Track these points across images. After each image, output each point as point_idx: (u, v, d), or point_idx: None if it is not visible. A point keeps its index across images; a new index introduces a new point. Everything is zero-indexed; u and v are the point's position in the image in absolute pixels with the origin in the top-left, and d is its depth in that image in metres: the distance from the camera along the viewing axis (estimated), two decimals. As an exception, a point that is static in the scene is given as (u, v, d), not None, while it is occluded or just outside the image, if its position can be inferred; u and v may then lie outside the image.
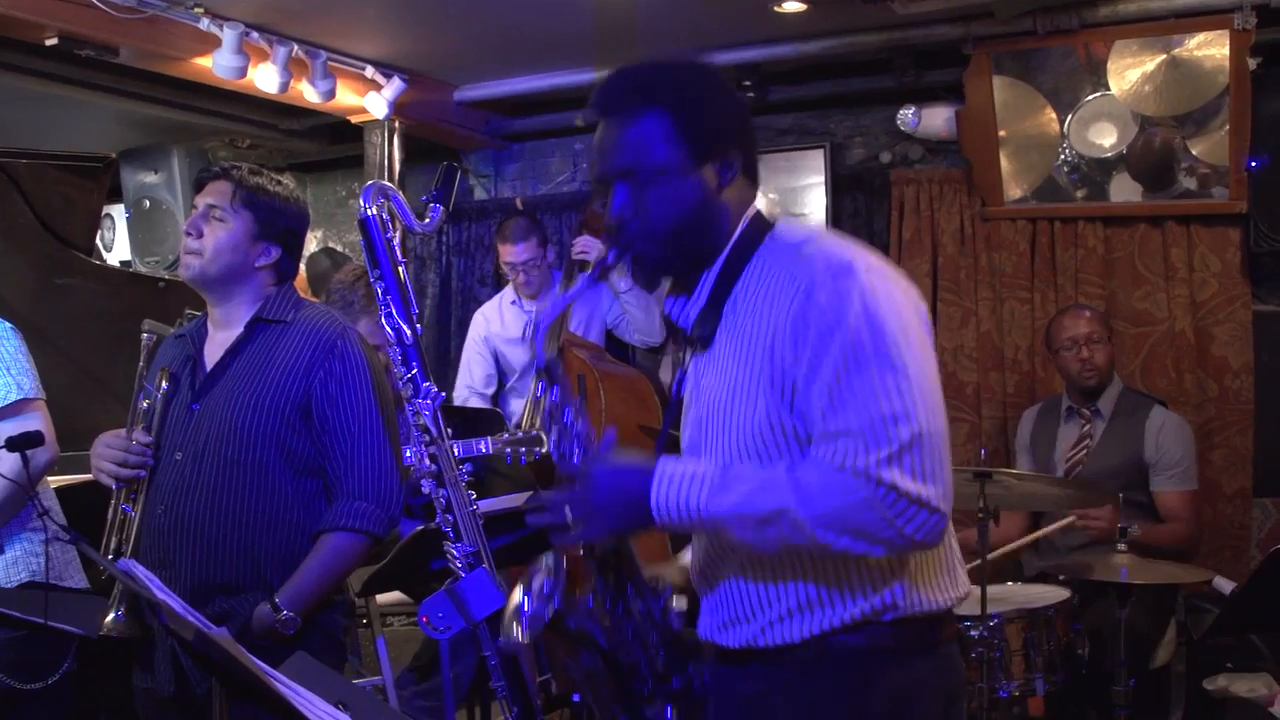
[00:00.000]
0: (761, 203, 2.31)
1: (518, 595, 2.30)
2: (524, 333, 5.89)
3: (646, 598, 2.28)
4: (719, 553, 2.26)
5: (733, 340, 2.19)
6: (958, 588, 2.26)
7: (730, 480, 2.08)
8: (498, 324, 6.03)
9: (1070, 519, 4.56)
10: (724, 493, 2.07)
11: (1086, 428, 4.93)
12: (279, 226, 3.15)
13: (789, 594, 2.16)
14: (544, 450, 4.62)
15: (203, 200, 3.12)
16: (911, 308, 2.13)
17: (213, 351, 3.14)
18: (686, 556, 2.51)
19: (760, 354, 2.12)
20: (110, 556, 2.98)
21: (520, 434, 4.62)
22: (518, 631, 2.28)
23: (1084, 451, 4.89)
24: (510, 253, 5.80)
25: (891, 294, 2.09)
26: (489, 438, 4.56)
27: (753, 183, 2.29)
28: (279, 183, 3.19)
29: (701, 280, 2.25)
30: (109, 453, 3.04)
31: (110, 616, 2.95)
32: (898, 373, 2.02)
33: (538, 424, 5.31)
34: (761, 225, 2.25)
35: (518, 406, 5.86)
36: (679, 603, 2.35)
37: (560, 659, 2.30)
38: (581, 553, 2.25)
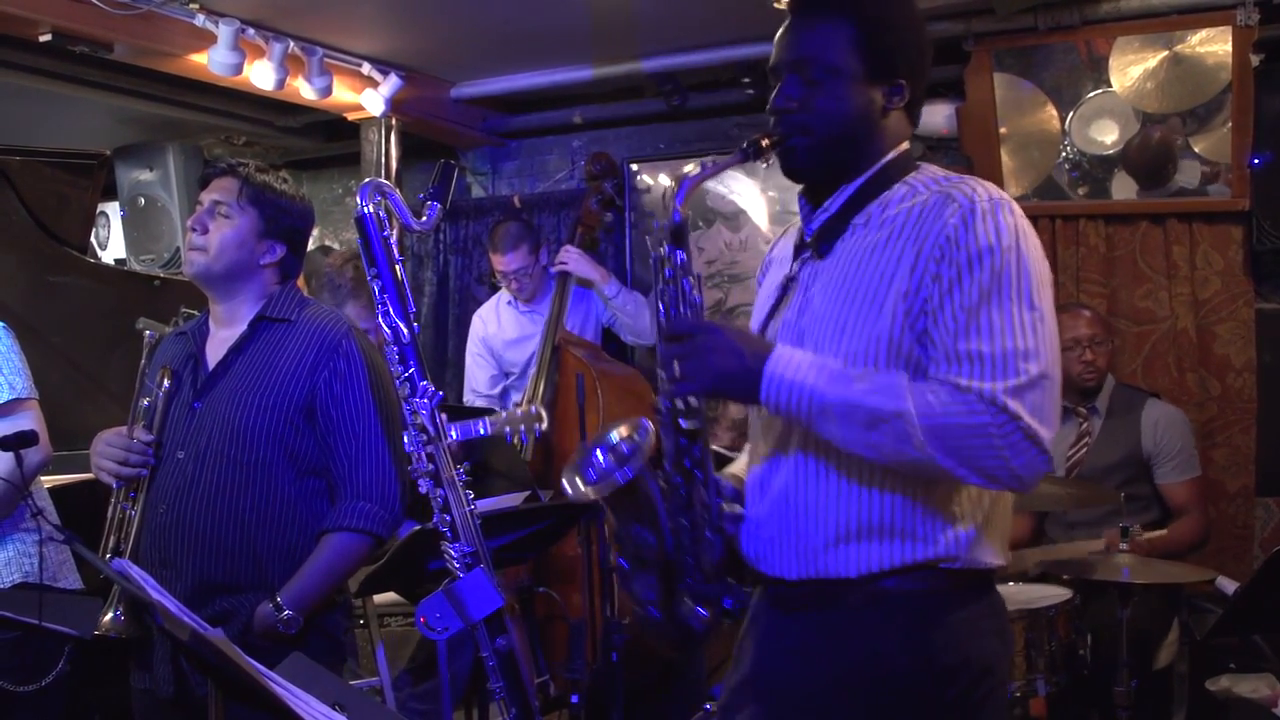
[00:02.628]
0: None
1: (588, 444, 2.29)
2: (523, 330, 5.89)
3: (710, 491, 2.26)
4: (779, 454, 2.25)
5: (859, 253, 2.19)
6: (1007, 551, 2.29)
7: (850, 374, 2.08)
8: (494, 325, 6.01)
9: (1102, 545, 4.53)
10: (843, 381, 2.07)
11: (1084, 425, 4.91)
12: (284, 224, 3.14)
13: (849, 512, 2.16)
14: (543, 427, 4.60)
15: (208, 196, 3.11)
16: (1047, 264, 2.17)
17: (215, 349, 3.13)
18: (737, 466, 2.50)
19: (899, 266, 2.12)
20: (108, 556, 2.96)
21: (519, 412, 4.59)
22: (580, 480, 2.25)
23: (1084, 450, 4.87)
24: (500, 262, 5.79)
25: (1037, 244, 2.14)
26: (487, 418, 4.53)
27: (913, 121, 2.33)
28: (285, 180, 3.19)
29: (837, 193, 2.27)
30: (110, 451, 3.02)
31: (109, 616, 2.94)
32: (1036, 313, 2.07)
33: (538, 402, 5.30)
34: (910, 160, 2.29)
35: (517, 400, 5.85)
36: (734, 507, 2.33)
37: (614, 525, 2.27)
38: (664, 424, 2.22)
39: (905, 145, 2.31)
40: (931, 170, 2.27)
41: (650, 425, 2.25)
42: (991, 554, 2.21)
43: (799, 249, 2.35)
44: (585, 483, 2.26)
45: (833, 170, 2.27)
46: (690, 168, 2.22)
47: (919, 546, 2.14)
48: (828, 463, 2.17)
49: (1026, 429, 2.00)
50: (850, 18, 2.22)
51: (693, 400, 2.19)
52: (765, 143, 2.25)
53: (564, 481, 2.30)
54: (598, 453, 2.27)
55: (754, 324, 2.42)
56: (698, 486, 2.23)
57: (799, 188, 2.38)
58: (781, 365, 2.10)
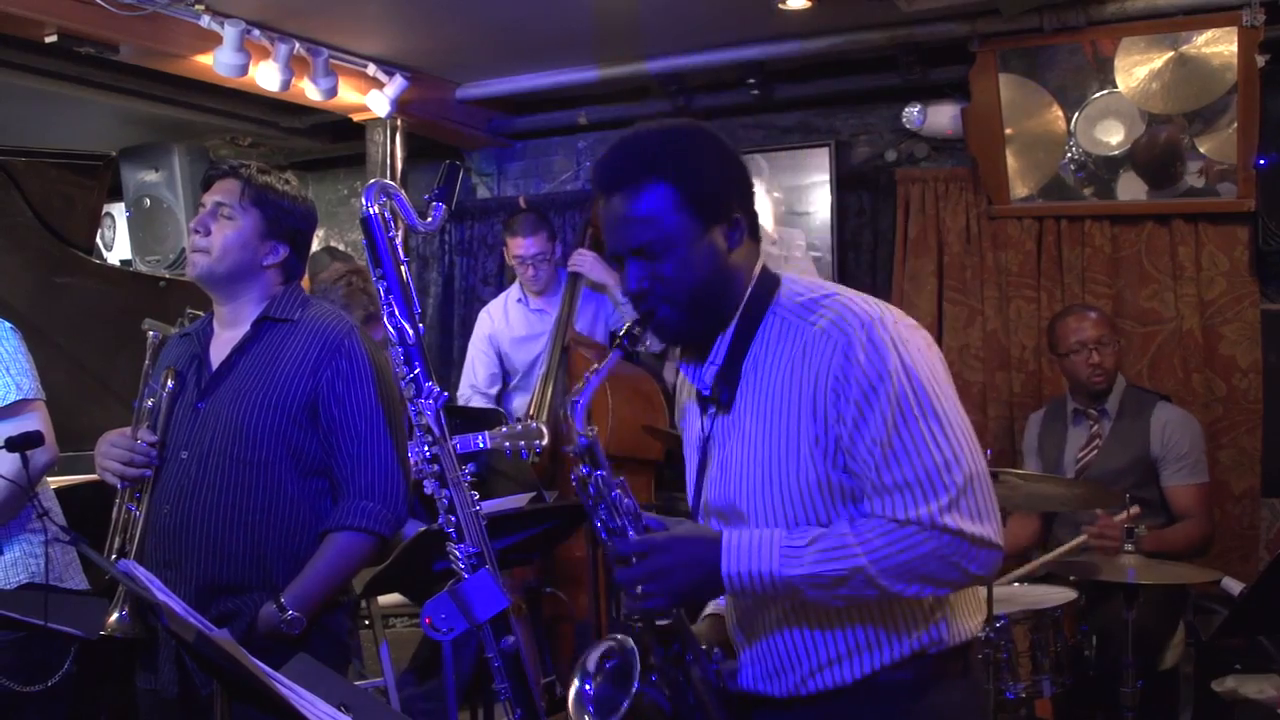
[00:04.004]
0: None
1: (576, 682, 2.32)
2: (530, 330, 5.88)
3: (703, 662, 2.31)
4: (759, 604, 2.30)
5: (761, 401, 2.23)
6: (983, 608, 2.39)
7: (798, 543, 2.13)
8: (503, 322, 6.01)
9: (1082, 538, 4.53)
10: (796, 557, 2.12)
11: (1095, 428, 4.89)
12: (287, 225, 3.14)
13: (838, 639, 2.23)
14: (544, 443, 4.60)
15: (211, 198, 3.11)
16: (935, 353, 2.21)
17: (218, 350, 3.13)
18: (711, 607, 2.56)
19: (801, 415, 2.17)
20: (113, 557, 2.96)
21: (520, 427, 4.60)
22: (586, 718, 2.29)
23: (1094, 452, 4.86)
24: (519, 245, 5.79)
25: (919, 344, 2.17)
26: (487, 432, 4.53)
27: (756, 241, 2.35)
28: (287, 182, 3.19)
29: (716, 343, 2.30)
30: (114, 452, 3.02)
31: (114, 616, 2.93)
32: (941, 420, 2.11)
33: (542, 418, 5.29)
34: (770, 282, 2.31)
35: (520, 404, 5.85)
36: (729, 664, 2.39)
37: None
38: (640, 627, 2.28)
39: (759, 269, 2.32)
40: (794, 289, 2.29)
41: (631, 642, 2.28)
42: (967, 626, 2.30)
43: (703, 403, 2.38)
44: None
45: (707, 326, 2.30)
46: (578, 386, 2.27)
47: (905, 644, 2.22)
48: (809, 603, 2.22)
49: (971, 536, 2.08)
50: (665, 180, 2.22)
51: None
52: (637, 329, 2.29)
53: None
54: (586, 686, 2.31)
55: (688, 479, 2.46)
56: (692, 668, 2.29)
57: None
58: (735, 560, 2.16)
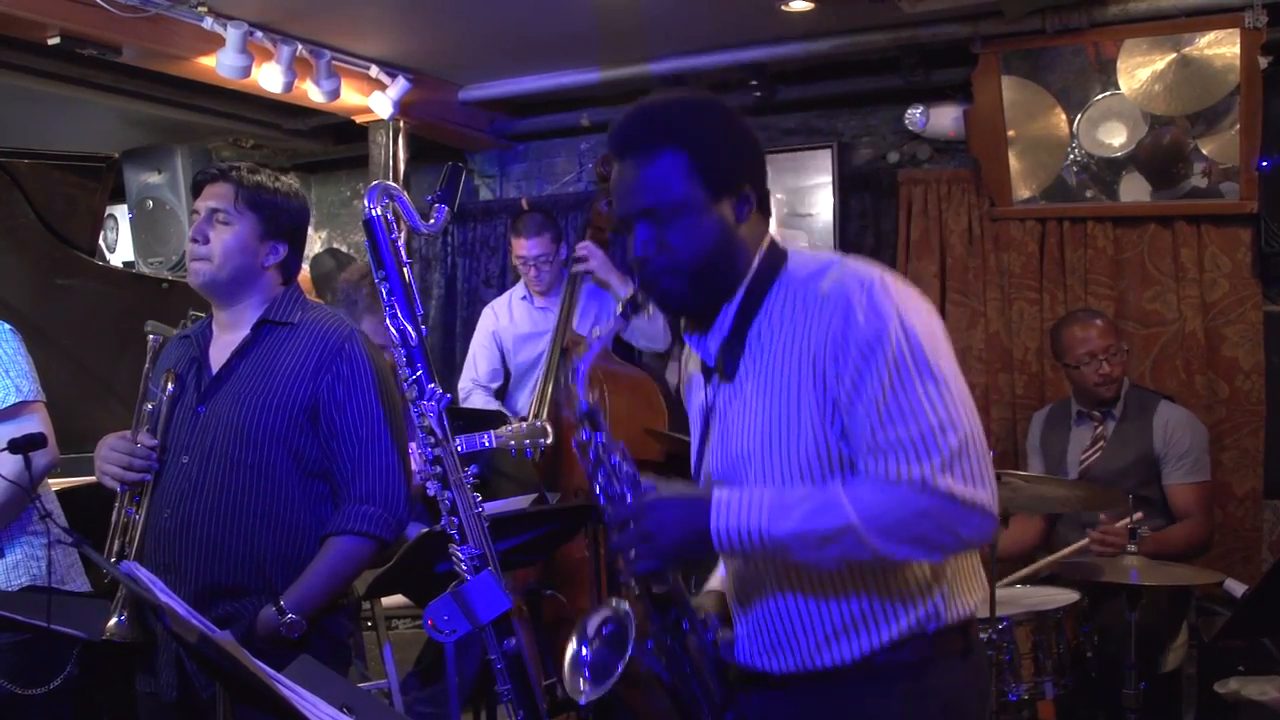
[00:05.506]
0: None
1: (573, 644, 2.34)
2: (536, 330, 5.88)
3: (700, 632, 2.32)
4: (757, 575, 2.31)
5: (764, 369, 2.24)
6: (983, 585, 2.37)
7: (789, 502, 2.13)
8: (507, 319, 6.00)
9: (1085, 541, 4.53)
10: (784, 515, 2.12)
11: (1099, 429, 4.89)
12: (284, 224, 3.14)
13: (834, 613, 2.23)
14: (548, 441, 4.60)
15: (204, 205, 3.10)
16: (937, 319, 2.21)
17: (218, 353, 3.12)
18: (714, 581, 2.56)
19: (801, 379, 2.18)
20: (114, 560, 2.96)
21: (524, 426, 4.60)
22: (582, 683, 2.31)
23: (1098, 453, 4.85)
24: (523, 246, 5.78)
25: (919, 307, 2.18)
26: (492, 431, 4.53)
27: (765, 216, 2.36)
28: (277, 179, 3.18)
29: (721, 313, 2.32)
30: (114, 455, 3.02)
31: (113, 621, 2.93)
32: (939, 382, 2.11)
33: (543, 418, 5.29)
34: (777, 255, 2.32)
35: (524, 402, 5.84)
36: (725, 635, 2.40)
37: (628, 703, 2.33)
38: (637, 593, 2.29)
39: (767, 243, 2.33)
40: (800, 260, 2.30)
41: (629, 607, 2.30)
42: (969, 595, 2.29)
43: (707, 373, 2.40)
44: (587, 684, 2.31)
45: (710, 298, 2.31)
46: (580, 350, 2.28)
47: (903, 622, 2.21)
48: (804, 571, 2.23)
49: (964, 499, 2.07)
50: (678, 146, 2.25)
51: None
52: (640, 297, 2.32)
53: (569, 692, 2.36)
54: (583, 650, 2.33)
55: (692, 450, 2.48)
56: (688, 635, 2.30)
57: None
58: (724, 517, 2.16)
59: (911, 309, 2.15)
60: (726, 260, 2.28)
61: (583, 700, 2.32)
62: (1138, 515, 4.16)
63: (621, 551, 2.22)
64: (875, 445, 2.10)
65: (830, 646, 2.22)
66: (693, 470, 2.46)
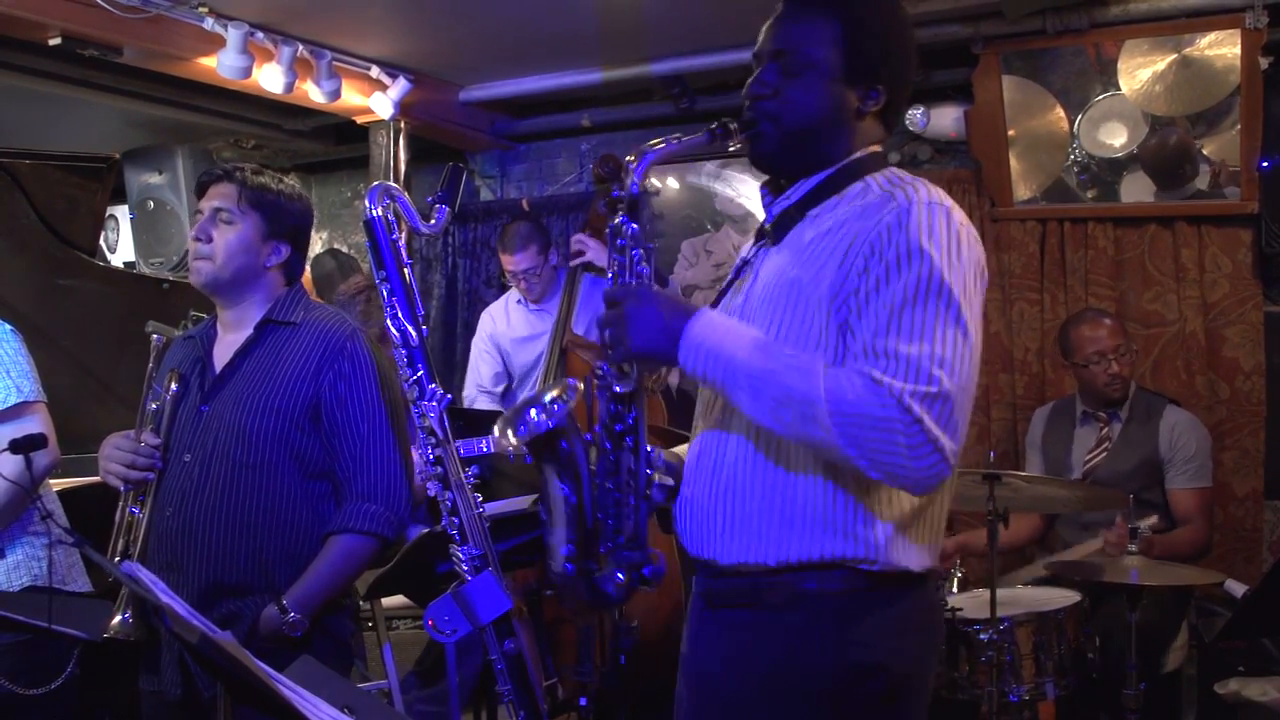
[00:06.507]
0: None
1: (523, 400, 2.28)
2: (532, 329, 5.87)
3: (640, 460, 2.25)
4: (716, 443, 2.27)
5: (804, 244, 2.22)
6: (939, 542, 2.30)
7: (772, 348, 2.10)
8: (504, 323, 6.00)
9: (1098, 543, 4.53)
10: (761, 352, 2.09)
11: (1104, 430, 4.89)
12: (287, 224, 3.15)
13: (772, 500, 2.19)
14: None
15: (208, 204, 3.10)
16: (983, 279, 2.18)
17: (222, 353, 3.13)
18: (681, 447, 2.51)
19: (829, 258, 2.15)
20: (117, 559, 2.96)
21: None
22: (510, 434, 2.24)
23: (1102, 454, 4.85)
24: (510, 262, 5.77)
25: (975, 256, 2.15)
26: (490, 436, 4.53)
27: (887, 130, 2.36)
28: (280, 180, 3.19)
29: (797, 184, 2.30)
30: (117, 454, 3.02)
31: (117, 619, 2.93)
32: (958, 326, 2.07)
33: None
34: (876, 161, 2.31)
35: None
36: (663, 478, 2.35)
37: (537, 473, 2.28)
38: (598, 386, 2.24)
39: (876, 148, 2.33)
40: (896, 172, 2.28)
41: (579, 384, 2.25)
42: (914, 557, 2.21)
43: (759, 235, 2.39)
44: (515, 435, 2.24)
45: (797, 162, 2.31)
46: (655, 142, 2.25)
47: (838, 543, 2.15)
48: (762, 447, 2.20)
49: (930, 434, 2.01)
50: (838, 16, 2.25)
51: (625, 366, 2.20)
52: (734, 126, 2.29)
53: (494, 431, 2.30)
54: (530, 411, 2.24)
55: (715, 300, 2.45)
56: (626, 453, 2.24)
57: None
58: (700, 332, 2.13)
59: (965, 251, 2.12)
60: (827, 138, 2.27)
61: (501, 443, 2.26)
62: (1152, 519, 4.15)
63: (600, 330, 2.20)
64: (873, 349, 2.05)
65: (760, 533, 2.18)
66: None
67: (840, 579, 2.16)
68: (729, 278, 2.43)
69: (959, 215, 2.15)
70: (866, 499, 2.16)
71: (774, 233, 2.31)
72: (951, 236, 2.10)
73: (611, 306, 2.19)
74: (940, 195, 2.17)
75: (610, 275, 2.25)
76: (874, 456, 2.02)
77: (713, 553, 2.25)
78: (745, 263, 2.38)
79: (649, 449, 2.28)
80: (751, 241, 2.44)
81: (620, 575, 2.24)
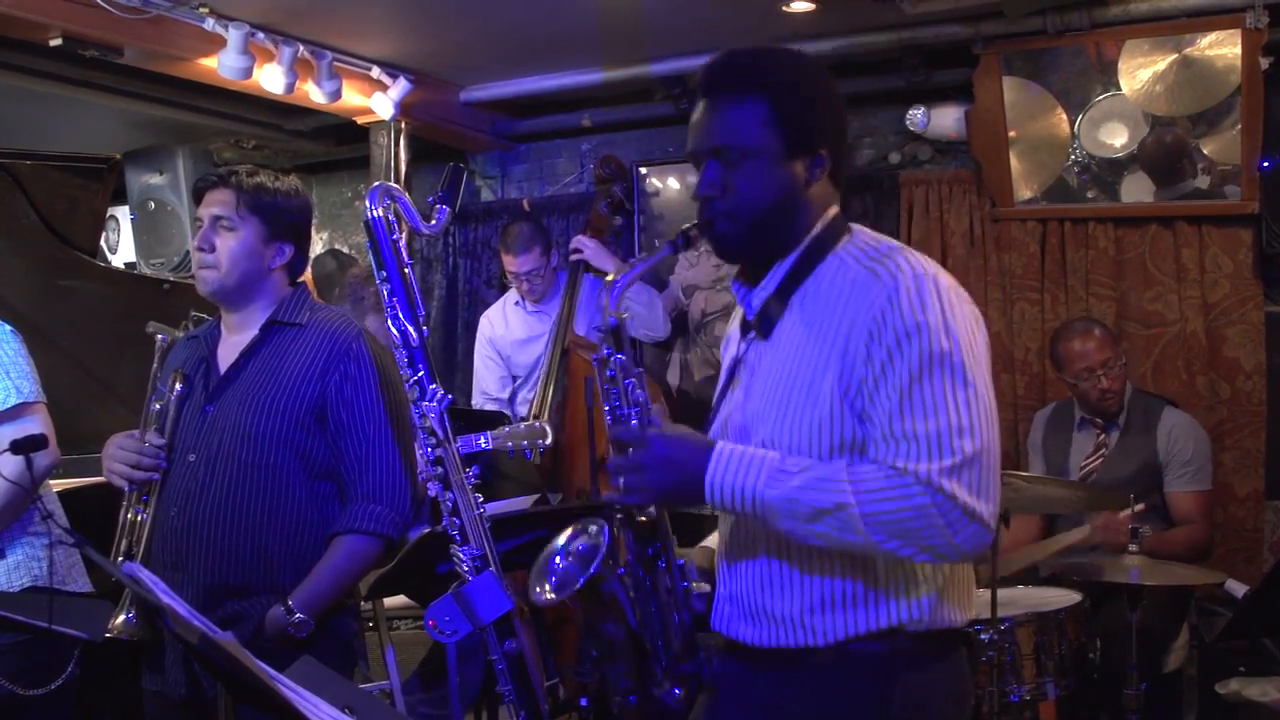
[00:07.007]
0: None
1: (547, 551, 2.33)
2: (531, 331, 5.87)
3: (675, 577, 2.30)
4: (748, 537, 2.28)
5: (801, 333, 2.21)
6: (974, 601, 2.34)
7: (789, 468, 2.10)
8: (502, 326, 6.01)
9: (1086, 529, 4.52)
10: (782, 479, 2.10)
11: (1101, 436, 4.88)
12: (288, 224, 3.15)
13: (817, 589, 2.20)
14: (547, 443, 4.59)
15: (207, 212, 3.10)
16: (982, 330, 2.19)
17: (226, 353, 3.13)
18: (711, 540, 2.53)
19: (831, 351, 2.15)
20: (120, 559, 2.96)
21: (523, 427, 4.59)
22: (545, 587, 2.30)
23: (1099, 460, 4.84)
24: (512, 263, 5.77)
25: (967, 314, 2.16)
26: (488, 432, 4.53)
27: (837, 187, 2.34)
28: (277, 179, 3.18)
29: (772, 270, 2.29)
30: (122, 455, 3.02)
31: (121, 618, 2.94)
32: (969, 388, 2.09)
33: (544, 419, 5.28)
34: (839, 227, 2.30)
35: (525, 406, 5.84)
36: (700, 587, 2.37)
37: (584, 622, 2.34)
38: (620, 518, 2.28)
39: (833, 212, 2.32)
40: (863, 238, 2.28)
41: (607, 526, 2.30)
42: (955, 613, 2.25)
43: (745, 328, 2.38)
44: (550, 590, 2.32)
45: (764, 250, 2.30)
46: (620, 268, 2.29)
47: (884, 613, 2.18)
48: (793, 541, 2.20)
49: (965, 507, 2.03)
50: (763, 96, 2.23)
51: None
52: (694, 232, 2.30)
53: (530, 591, 2.37)
54: (555, 559, 2.33)
55: (714, 405, 2.46)
56: (661, 574, 2.29)
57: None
58: (720, 470, 2.14)
59: (959, 311, 2.13)
60: (787, 217, 2.26)
61: (541, 600, 2.33)
62: (1139, 506, 4.15)
63: (614, 475, 2.21)
64: (890, 434, 2.07)
65: (806, 624, 2.20)
66: (707, 421, 2.44)
67: (886, 642, 2.19)
68: (723, 378, 2.43)
69: (945, 279, 2.17)
70: (906, 572, 2.19)
71: (760, 326, 2.30)
72: (943, 302, 2.11)
73: (621, 449, 2.21)
74: (922, 262, 2.17)
75: (607, 410, 2.28)
76: (918, 543, 2.05)
77: (764, 641, 2.26)
78: (738, 361, 2.37)
79: (679, 562, 2.33)
80: (737, 332, 2.43)
81: (678, 690, 2.29)
